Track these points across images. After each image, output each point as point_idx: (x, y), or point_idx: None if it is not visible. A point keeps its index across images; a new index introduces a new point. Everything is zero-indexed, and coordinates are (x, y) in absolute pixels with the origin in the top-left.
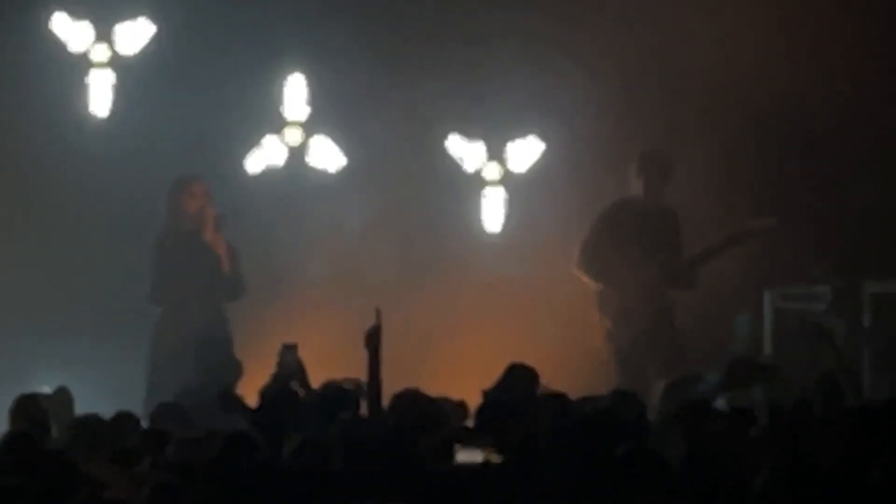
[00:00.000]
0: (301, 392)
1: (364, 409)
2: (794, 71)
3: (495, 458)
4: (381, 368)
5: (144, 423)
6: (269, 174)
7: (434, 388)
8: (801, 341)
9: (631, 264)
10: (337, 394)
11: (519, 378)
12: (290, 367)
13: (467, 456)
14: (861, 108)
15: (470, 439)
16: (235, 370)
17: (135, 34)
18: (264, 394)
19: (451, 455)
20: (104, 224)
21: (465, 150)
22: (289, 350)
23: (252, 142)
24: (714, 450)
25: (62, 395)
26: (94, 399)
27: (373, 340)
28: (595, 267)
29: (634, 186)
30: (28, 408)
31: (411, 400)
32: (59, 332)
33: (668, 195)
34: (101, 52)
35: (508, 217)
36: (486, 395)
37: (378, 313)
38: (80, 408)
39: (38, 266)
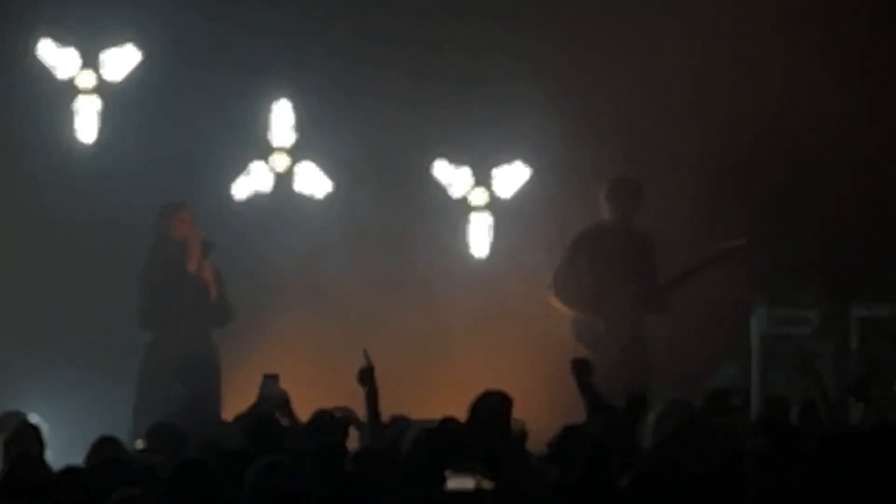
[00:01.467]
0: (285, 422)
1: (352, 437)
2: (779, 91)
3: (487, 486)
4: (378, 405)
5: (132, 448)
6: (256, 200)
7: (420, 411)
8: (787, 366)
9: (604, 290)
10: (327, 422)
11: (492, 405)
12: (271, 398)
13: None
14: (849, 129)
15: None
16: (215, 395)
17: (121, 61)
18: (238, 420)
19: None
20: (91, 250)
21: (452, 176)
22: (270, 381)
23: (239, 168)
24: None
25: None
26: (82, 424)
27: (366, 380)
28: (568, 293)
29: (606, 212)
30: (28, 433)
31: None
32: (47, 358)
33: (642, 218)
34: (87, 79)
35: (494, 242)
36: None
37: (367, 354)
38: (71, 433)
39: (23, 292)
